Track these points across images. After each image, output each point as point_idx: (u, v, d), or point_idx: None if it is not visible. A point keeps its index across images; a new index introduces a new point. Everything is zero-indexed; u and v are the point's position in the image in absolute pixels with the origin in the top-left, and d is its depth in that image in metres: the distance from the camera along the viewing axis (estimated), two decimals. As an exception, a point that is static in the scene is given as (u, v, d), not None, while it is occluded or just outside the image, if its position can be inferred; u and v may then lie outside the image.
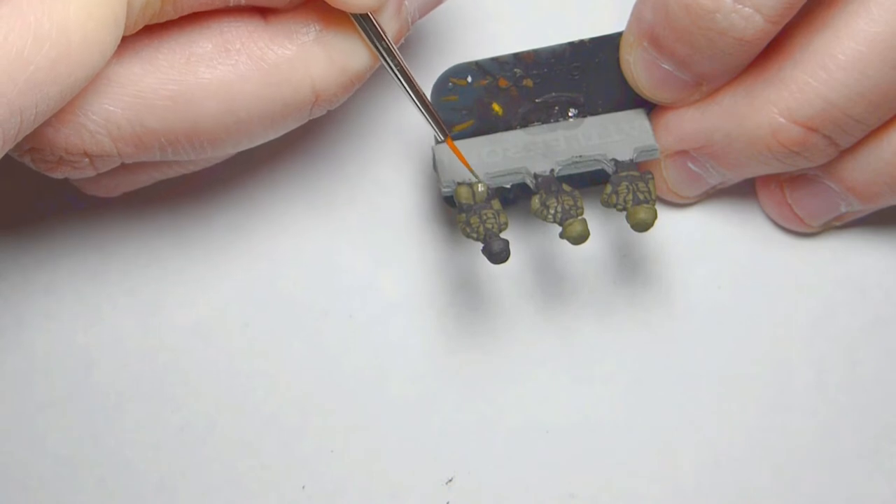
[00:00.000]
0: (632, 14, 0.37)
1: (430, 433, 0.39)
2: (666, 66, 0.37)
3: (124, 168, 0.34)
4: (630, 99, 0.38)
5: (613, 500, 0.38)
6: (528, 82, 0.38)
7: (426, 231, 0.40)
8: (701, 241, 0.40)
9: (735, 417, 0.39)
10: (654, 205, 0.36)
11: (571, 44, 0.38)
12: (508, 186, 0.37)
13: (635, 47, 0.37)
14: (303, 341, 0.40)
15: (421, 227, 0.40)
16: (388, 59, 0.33)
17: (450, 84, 0.38)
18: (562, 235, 0.35)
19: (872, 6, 0.34)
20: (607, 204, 0.36)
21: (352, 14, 0.32)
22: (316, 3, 0.32)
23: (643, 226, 0.36)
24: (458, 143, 0.37)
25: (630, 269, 0.40)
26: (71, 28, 0.28)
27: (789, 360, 0.40)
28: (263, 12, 0.33)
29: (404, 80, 0.34)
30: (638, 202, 0.36)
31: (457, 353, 0.39)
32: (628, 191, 0.36)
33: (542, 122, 0.38)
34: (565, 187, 0.36)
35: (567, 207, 0.35)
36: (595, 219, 0.40)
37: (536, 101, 0.38)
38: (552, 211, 0.35)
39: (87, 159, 0.32)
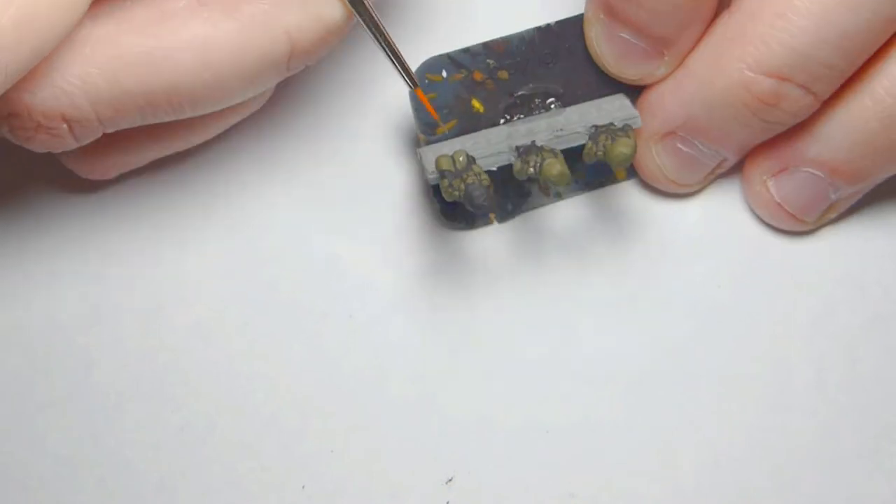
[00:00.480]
0: None
1: (430, 433, 0.39)
2: (624, 35, 0.37)
3: (113, 145, 0.34)
4: (608, 83, 0.38)
5: (613, 500, 0.38)
6: (504, 74, 0.38)
7: (426, 231, 0.40)
8: (701, 241, 0.40)
9: (735, 417, 0.39)
10: (633, 139, 0.36)
11: (539, 29, 0.39)
12: (495, 168, 0.37)
13: (594, 22, 0.38)
14: (303, 341, 0.40)
15: (421, 227, 0.40)
16: (357, 6, 0.33)
17: (426, 80, 0.38)
18: (542, 177, 0.35)
19: None
20: (589, 156, 0.36)
21: None
22: None
23: (622, 157, 0.36)
24: (443, 143, 0.37)
25: (630, 268, 0.40)
26: None
27: (789, 359, 0.40)
28: None
29: (375, 30, 0.34)
30: (615, 141, 0.36)
31: (457, 353, 0.39)
32: (607, 138, 0.36)
33: (524, 116, 0.38)
34: (546, 147, 0.36)
35: (546, 157, 0.35)
36: (595, 219, 0.40)
37: (515, 95, 0.38)
38: (532, 163, 0.35)
39: (65, 125, 0.32)
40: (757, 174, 0.39)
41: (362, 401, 0.39)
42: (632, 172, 0.40)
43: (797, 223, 0.40)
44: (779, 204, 0.39)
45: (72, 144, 0.33)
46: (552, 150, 0.36)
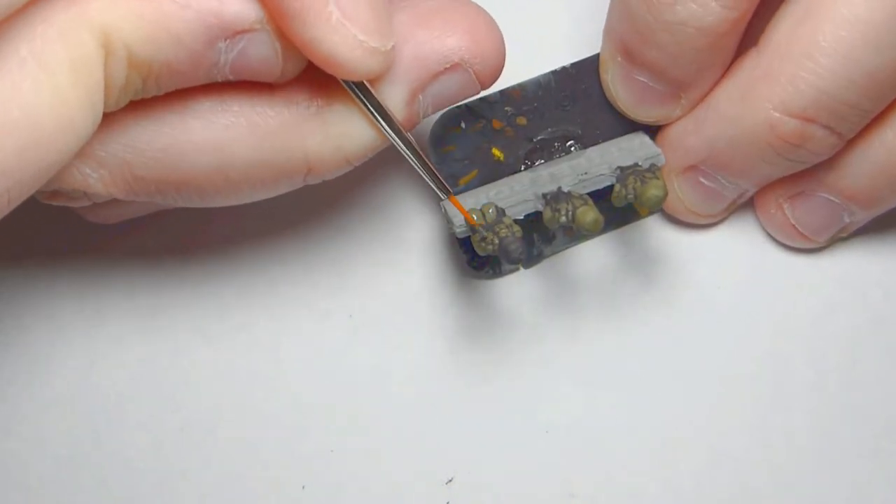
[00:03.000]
0: (603, 31, 0.37)
1: (430, 433, 0.39)
2: (641, 78, 0.37)
3: (121, 201, 0.34)
4: (626, 122, 0.38)
5: (613, 499, 0.38)
6: (522, 120, 0.38)
7: (426, 231, 0.40)
8: (701, 241, 0.40)
9: (735, 417, 0.39)
10: (662, 181, 0.35)
11: (554, 72, 0.38)
12: (522, 217, 0.36)
13: (610, 63, 0.37)
14: (303, 341, 0.40)
15: (421, 227, 0.40)
16: (391, 133, 0.33)
17: (444, 132, 0.37)
18: (576, 225, 0.35)
19: None
20: (618, 199, 0.36)
21: (348, 85, 0.32)
22: (322, 77, 0.32)
23: (655, 200, 0.35)
24: (466, 194, 0.37)
25: (630, 269, 0.40)
26: (42, 115, 0.28)
27: (789, 360, 0.40)
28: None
29: (410, 151, 0.34)
30: (645, 183, 0.35)
31: (457, 353, 0.39)
32: (636, 181, 0.36)
33: (545, 161, 0.38)
34: (574, 193, 0.36)
35: (578, 205, 0.35)
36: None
37: (534, 140, 0.38)
38: (563, 211, 0.35)
39: (81, 192, 0.32)
40: (772, 197, 0.39)
41: (362, 401, 0.39)
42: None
43: (809, 243, 0.40)
44: (793, 225, 0.39)
45: (87, 204, 0.33)
46: (581, 197, 0.35)
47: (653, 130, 0.38)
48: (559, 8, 0.41)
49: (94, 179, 0.31)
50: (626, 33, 0.36)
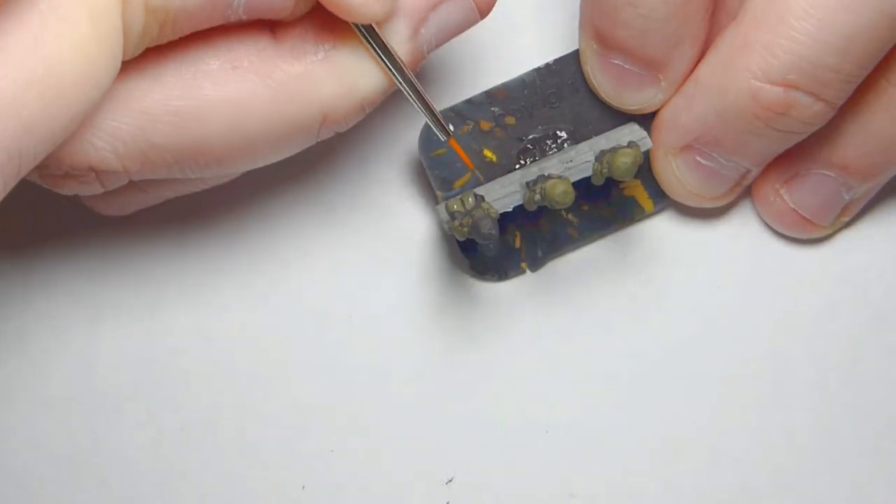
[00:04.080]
0: (579, 23, 0.38)
1: (430, 433, 0.39)
2: (617, 62, 0.37)
3: (133, 186, 0.34)
4: (617, 115, 0.38)
5: (613, 499, 0.39)
6: (510, 119, 0.38)
7: (426, 231, 0.40)
8: (701, 241, 0.40)
9: (735, 417, 0.39)
10: (634, 150, 0.35)
11: (537, 70, 0.38)
12: (510, 209, 0.36)
13: (588, 53, 0.37)
14: (303, 341, 0.40)
15: (421, 227, 0.40)
16: (396, 74, 0.33)
17: (433, 137, 0.37)
18: (548, 199, 0.35)
19: None
20: (596, 177, 0.36)
21: (358, 27, 0.32)
22: (327, 19, 0.32)
23: (624, 167, 0.35)
24: (459, 196, 0.37)
25: (630, 268, 0.40)
26: (64, 68, 0.28)
27: (790, 359, 0.40)
28: (272, 27, 0.32)
29: (414, 95, 0.34)
30: (616, 153, 0.35)
31: (457, 353, 0.39)
32: (610, 155, 0.35)
33: (538, 158, 0.38)
34: (552, 175, 0.36)
35: (553, 182, 0.35)
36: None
37: (526, 139, 0.38)
38: (538, 190, 0.35)
39: (93, 174, 0.32)
40: (769, 185, 0.39)
41: (362, 401, 0.39)
42: (660, 201, 0.40)
43: (814, 228, 0.39)
44: (794, 210, 0.39)
45: (98, 190, 0.33)
46: (559, 176, 0.35)
47: (647, 123, 0.38)
48: (539, 9, 0.41)
49: (108, 152, 0.31)
50: (597, 17, 0.36)
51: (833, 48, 0.34)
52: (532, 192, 0.35)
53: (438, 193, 0.38)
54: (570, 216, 0.39)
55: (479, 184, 0.38)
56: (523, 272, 0.40)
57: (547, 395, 0.39)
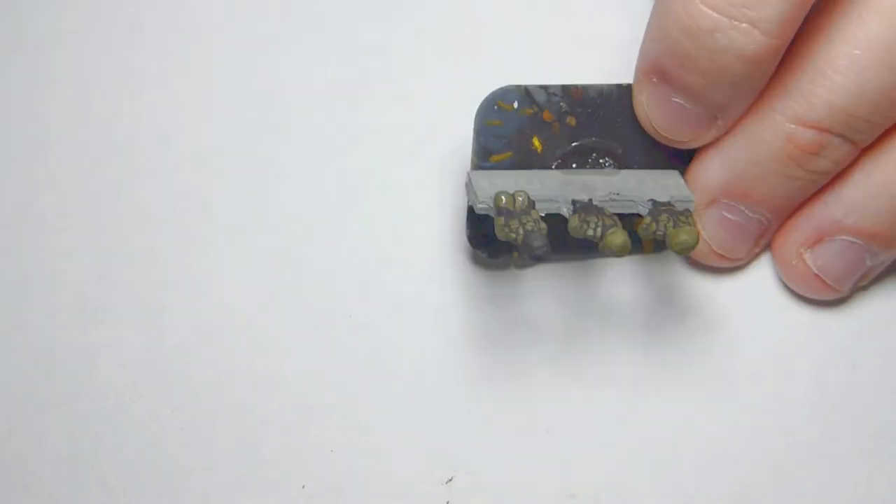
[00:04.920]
0: (639, 53, 0.37)
1: (430, 433, 0.39)
2: (677, 100, 0.37)
3: None
4: (664, 159, 0.38)
5: (613, 500, 0.38)
6: (572, 120, 0.38)
7: (427, 230, 0.40)
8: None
9: (735, 417, 0.39)
10: (695, 228, 0.35)
11: (619, 86, 0.38)
12: (543, 215, 0.36)
13: (645, 85, 0.37)
14: (303, 341, 0.40)
15: (421, 226, 0.40)
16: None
17: (496, 107, 0.37)
18: (603, 244, 0.35)
19: (864, 12, 0.35)
20: (646, 233, 0.36)
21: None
22: None
23: (685, 246, 0.35)
24: (495, 172, 0.37)
25: (630, 269, 0.40)
26: None
27: (789, 360, 0.40)
28: None
29: None
30: (678, 226, 0.35)
31: (457, 352, 0.39)
32: (668, 220, 0.36)
33: (579, 167, 0.38)
34: (606, 210, 0.36)
35: (608, 224, 0.35)
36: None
37: (574, 144, 0.38)
38: (592, 225, 0.35)
39: None
40: (792, 247, 0.39)
41: (362, 400, 0.39)
42: (658, 247, 0.40)
43: (831, 293, 0.39)
44: (816, 275, 0.39)
45: None
46: (612, 217, 0.35)
47: (683, 168, 0.38)
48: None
49: None
50: (664, 57, 0.36)
51: (867, 101, 0.35)
52: (584, 221, 0.35)
53: (473, 159, 0.38)
54: None
55: (515, 166, 0.37)
56: (513, 263, 0.40)
57: (547, 395, 0.39)
